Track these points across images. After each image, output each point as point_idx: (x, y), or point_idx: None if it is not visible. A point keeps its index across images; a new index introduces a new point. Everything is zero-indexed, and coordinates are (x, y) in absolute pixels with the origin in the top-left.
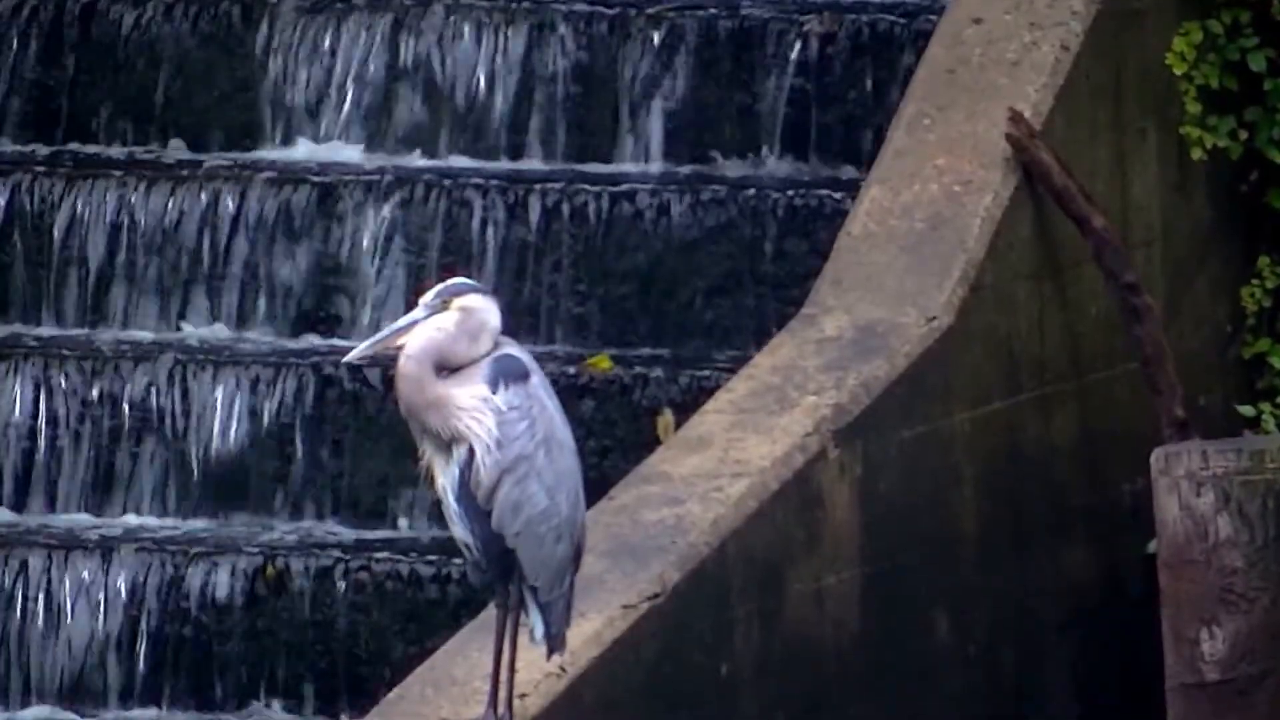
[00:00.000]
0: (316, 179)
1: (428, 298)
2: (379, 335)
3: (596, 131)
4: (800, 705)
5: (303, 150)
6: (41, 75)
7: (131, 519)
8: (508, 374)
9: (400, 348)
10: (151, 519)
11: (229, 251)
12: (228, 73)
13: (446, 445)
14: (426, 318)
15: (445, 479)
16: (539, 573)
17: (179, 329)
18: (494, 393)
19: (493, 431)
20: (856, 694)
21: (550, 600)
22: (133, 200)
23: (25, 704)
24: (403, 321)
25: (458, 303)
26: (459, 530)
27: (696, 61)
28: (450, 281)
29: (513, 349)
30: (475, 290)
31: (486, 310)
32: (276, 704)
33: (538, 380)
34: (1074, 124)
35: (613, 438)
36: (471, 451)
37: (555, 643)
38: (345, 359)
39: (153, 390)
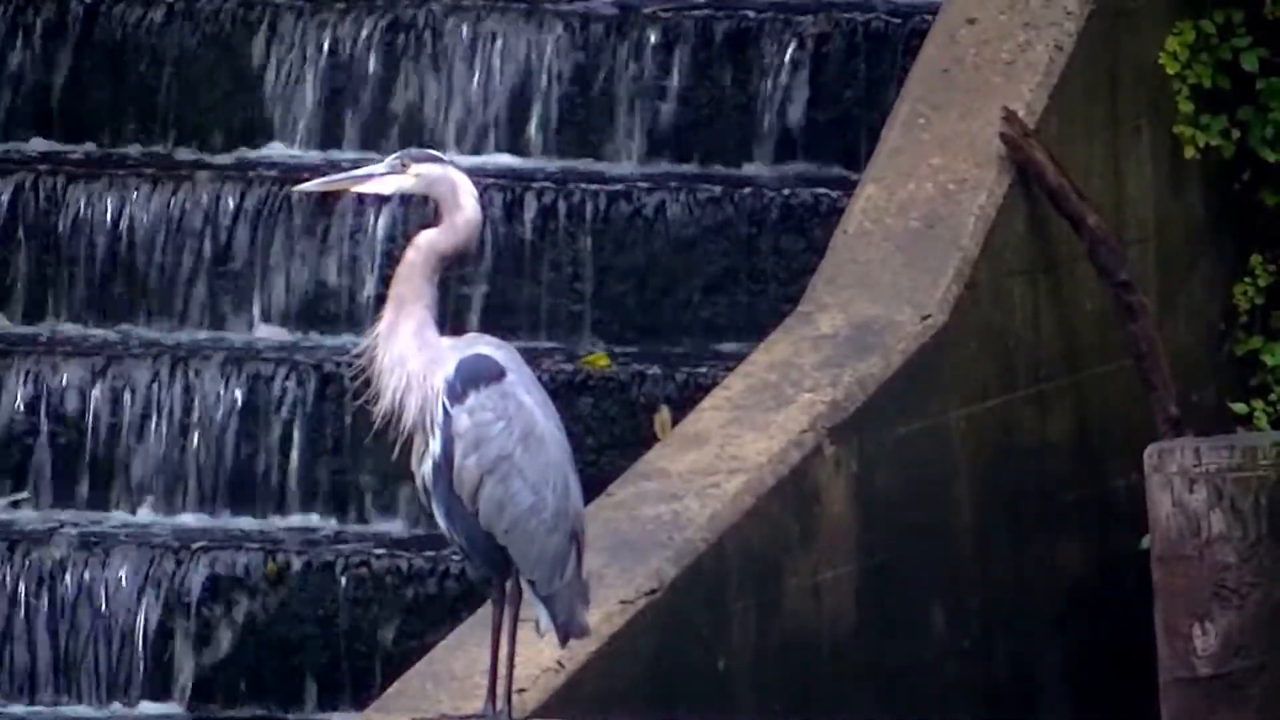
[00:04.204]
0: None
1: (389, 159)
2: (336, 177)
3: (594, 130)
4: (797, 698)
5: (303, 149)
6: (44, 75)
7: (133, 515)
8: (475, 378)
9: (351, 194)
10: (153, 515)
11: (230, 250)
12: (229, 72)
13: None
14: (385, 175)
15: (422, 471)
16: (535, 567)
17: (180, 327)
18: (459, 400)
19: (433, 412)
20: (853, 687)
21: (553, 592)
22: (135, 199)
23: (28, 699)
24: (360, 172)
25: (416, 168)
26: (443, 525)
27: (693, 61)
28: (411, 149)
29: (487, 347)
30: (436, 159)
31: (449, 174)
32: (276, 699)
33: (515, 377)
34: (1068, 123)
35: (610, 435)
36: (449, 451)
37: (572, 630)
38: (298, 188)
39: (154, 387)
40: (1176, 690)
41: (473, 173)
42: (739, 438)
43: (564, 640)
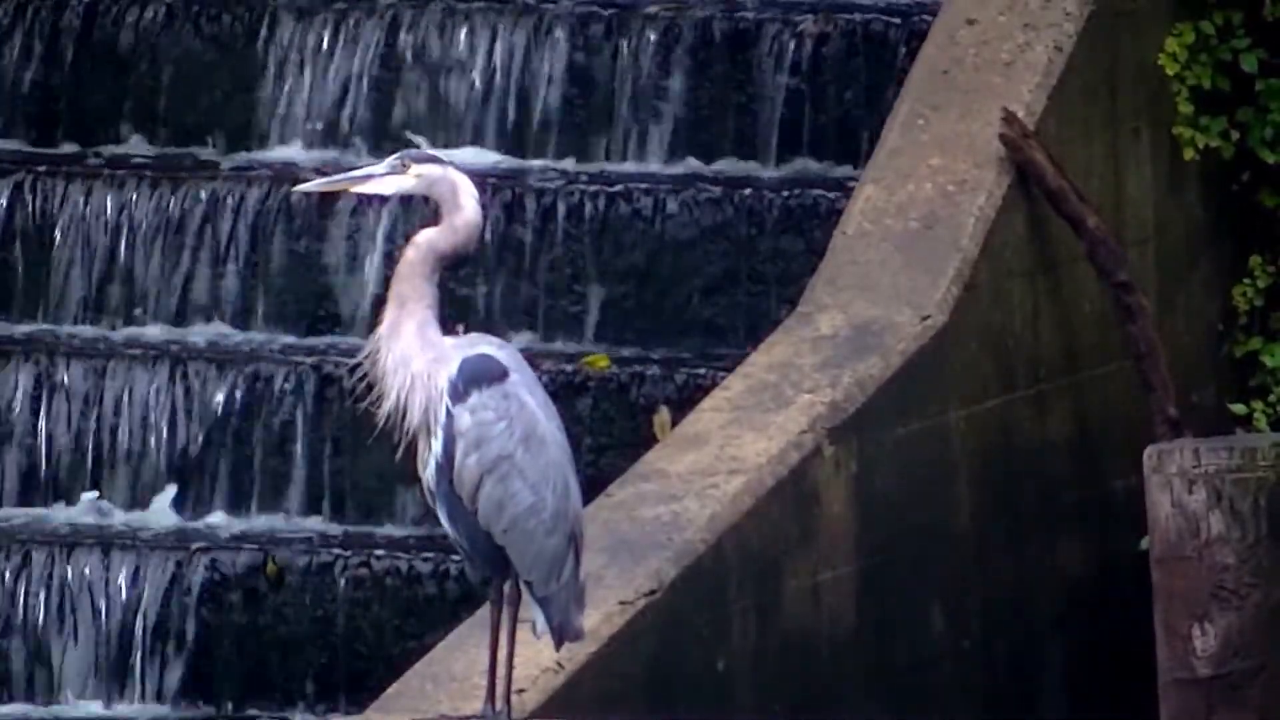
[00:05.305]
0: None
1: (389, 159)
2: (336, 177)
3: (593, 131)
4: (797, 699)
5: (302, 150)
6: (43, 76)
7: (133, 515)
8: (478, 377)
9: (351, 194)
10: (152, 515)
11: (229, 250)
12: (228, 73)
13: (416, 422)
14: (385, 175)
15: (426, 474)
16: (532, 568)
17: (180, 327)
18: (461, 400)
19: (430, 405)
20: (852, 687)
21: (549, 594)
22: (134, 200)
23: (28, 699)
24: (360, 172)
25: (416, 169)
26: (446, 526)
27: (693, 62)
28: (411, 150)
29: (490, 348)
30: (436, 160)
31: (449, 175)
32: (276, 699)
33: (517, 378)
34: (1067, 124)
35: (610, 435)
36: (450, 450)
37: (567, 633)
38: (298, 188)
39: (153, 388)
40: (1176, 690)
41: (472, 173)
42: (738, 438)
43: (559, 643)
